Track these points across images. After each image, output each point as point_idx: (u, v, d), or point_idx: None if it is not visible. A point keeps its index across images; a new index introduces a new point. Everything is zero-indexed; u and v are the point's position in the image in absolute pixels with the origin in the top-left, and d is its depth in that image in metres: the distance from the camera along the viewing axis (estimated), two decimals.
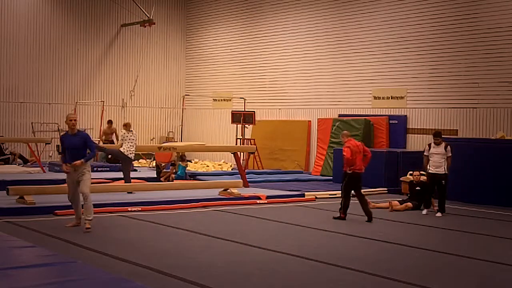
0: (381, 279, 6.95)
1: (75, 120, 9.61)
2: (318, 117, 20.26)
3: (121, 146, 13.91)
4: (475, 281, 7.11)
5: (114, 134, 20.34)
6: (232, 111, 21.61)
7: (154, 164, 20.29)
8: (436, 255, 8.43)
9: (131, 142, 13.82)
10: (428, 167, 12.60)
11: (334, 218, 11.25)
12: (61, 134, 10.22)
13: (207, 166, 20.29)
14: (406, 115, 18.36)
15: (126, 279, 6.03)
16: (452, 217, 12.15)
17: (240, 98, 22.58)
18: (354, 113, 19.45)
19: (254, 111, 20.78)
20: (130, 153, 13.81)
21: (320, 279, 6.91)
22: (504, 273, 7.53)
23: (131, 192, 13.31)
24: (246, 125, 21.00)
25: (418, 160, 16.29)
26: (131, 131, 14.03)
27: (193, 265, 7.34)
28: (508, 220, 11.82)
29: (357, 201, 11.39)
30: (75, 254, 7.53)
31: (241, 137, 20.94)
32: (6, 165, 18.79)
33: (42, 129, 22.44)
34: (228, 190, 13.61)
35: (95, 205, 11.44)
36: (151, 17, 23.51)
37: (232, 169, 19.29)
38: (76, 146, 9.41)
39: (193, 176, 16.96)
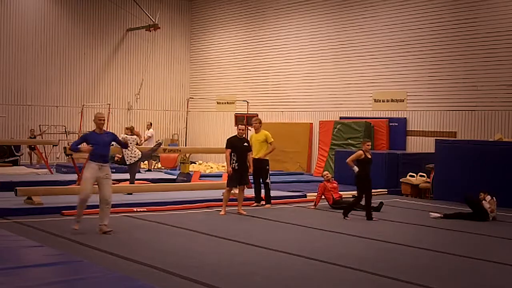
0: (382, 278, 7.00)
1: (103, 119, 9.53)
2: (320, 120, 20.50)
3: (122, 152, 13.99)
4: (475, 281, 7.12)
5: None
6: (235, 114, 21.77)
7: (159, 166, 20.60)
8: (436, 255, 8.46)
9: (130, 146, 13.81)
10: None
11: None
12: (86, 133, 10.32)
13: (211, 167, 20.58)
14: (406, 118, 18.58)
15: (132, 278, 6.08)
16: None
17: (244, 101, 22.83)
18: (355, 116, 19.66)
19: (257, 114, 20.92)
20: (128, 159, 13.88)
21: (322, 278, 6.98)
22: (504, 273, 7.58)
23: (130, 194, 13.42)
24: (249, 128, 21.21)
25: (417, 161, 16.62)
26: (131, 134, 14.12)
27: (197, 264, 7.39)
28: (506, 221, 11.81)
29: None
30: (81, 254, 7.59)
31: None
32: (14, 166, 19.12)
33: (49, 131, 22.77)
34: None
35: None
36: (156, 22, 23.80)
37: None
38: (105, 143, 9.34)
39: None
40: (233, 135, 12.31)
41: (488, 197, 11.86)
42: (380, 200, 13.32)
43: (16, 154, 20.27)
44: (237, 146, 11.92)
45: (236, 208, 12.14)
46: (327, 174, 13.47)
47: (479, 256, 8.43)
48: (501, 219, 11.97)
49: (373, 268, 7.42)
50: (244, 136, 12.29)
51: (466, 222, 11.45)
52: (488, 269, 7.76)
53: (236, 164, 11.84)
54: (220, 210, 11.95)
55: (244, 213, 11.92)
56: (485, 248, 9.30)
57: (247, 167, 12.04)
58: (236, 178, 11.87)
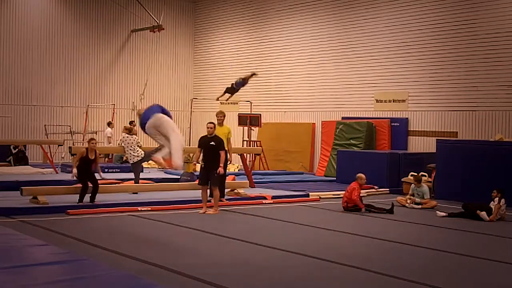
0: (385, 277, 7.02)
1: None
2: (322, 120, 20.58)
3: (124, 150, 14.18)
4: (482, 280, 7.14)
5: None
6: (238, 114, 21.84)
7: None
8: (439, 254, 8.48)
9: (131, 146, 13.96)
10: None
11: None
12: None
13: None
14: (407, 118, 18.67)
15: (137, 277, 6.11)
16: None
17: (247, 101, 22.94)
18: (357, 116, 19.74)
19: (260, 114, 21.02)
20: (131, 159, 14.01)
21: (326, 276, 7.03)
22: (506, 272, 7.62)
23: (136, 193, 13.50)
24: (252, 128, 21.31)
25: (419, 161, 16.73)
26: (131, 134, 14.17)
27: (201, 263, 7.46)
28: (508, 220, 11.85)
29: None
30: (87, 252, 7.64)
31: (247, 139, 21.20)
32: (20, 166, 19.18)
33: (54, 131, 22.94)
34: (235, 191, 13.71)
35: (106, 205, 11.76)
36: (160, 23, 23.89)
37: (238, 170, 19.35)
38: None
39: None
40: (204, 134, 12.20)
41: (496, 199, 11.87)
42: (391, 202, 13.23)
43: (13, 152, 19.98)
44: (204, 145, 11.93)
45: (242, 207, 12.12)
46: (364, 178, 12.89)
47: (480, 255, 8.47)
48: (507, 219, 12.00)
49: (377, 266, 7.45)
50: (214, 134, 12.02)
51: (472, 222, 11.52)
52: (495, 269, 7.78)
53: (203, 162, 11.84)
54: (224, 210, 11.98)
55: (210, 212, 11.73)
56: (491, 247, 9.35)
57: (214, 166, 11.72)
58: (203, 176, 11.84)
